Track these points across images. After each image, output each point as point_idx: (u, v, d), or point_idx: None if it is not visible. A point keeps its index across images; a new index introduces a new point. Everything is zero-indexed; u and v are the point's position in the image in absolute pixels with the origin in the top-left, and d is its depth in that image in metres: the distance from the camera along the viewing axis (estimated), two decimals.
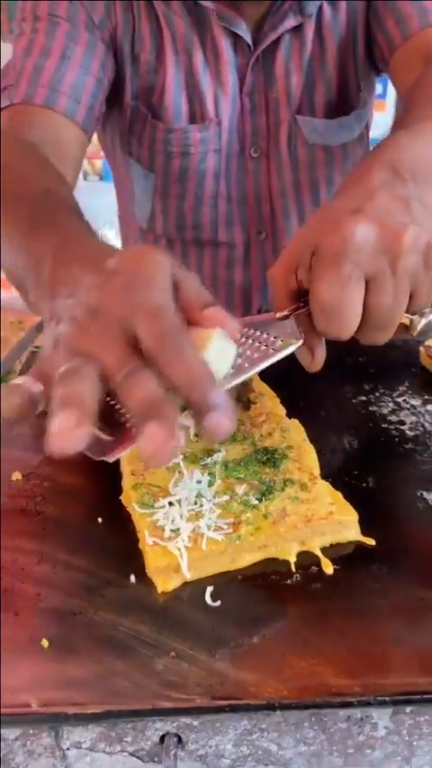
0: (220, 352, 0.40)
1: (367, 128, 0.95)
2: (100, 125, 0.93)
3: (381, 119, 0.85)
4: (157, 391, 0.35)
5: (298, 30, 0.82)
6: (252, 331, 0.48)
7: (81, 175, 3.19)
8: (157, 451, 0.34)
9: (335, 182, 0.92)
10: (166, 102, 0.83)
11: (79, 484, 0.59)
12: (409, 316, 0.46)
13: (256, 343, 0.47)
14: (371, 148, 0.95)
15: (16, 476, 0.60)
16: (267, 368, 0.67)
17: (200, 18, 0.80)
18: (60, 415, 0.35)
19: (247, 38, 0.81)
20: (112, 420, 0.41)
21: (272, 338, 0.46)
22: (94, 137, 0.99)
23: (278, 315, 0.48)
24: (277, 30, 0.81)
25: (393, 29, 0.78)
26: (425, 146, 0.51)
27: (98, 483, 0.59)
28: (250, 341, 0.47)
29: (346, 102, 0.88)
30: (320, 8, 0.82)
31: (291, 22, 0.81)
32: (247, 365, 0.44)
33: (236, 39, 0.81)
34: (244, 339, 0.47)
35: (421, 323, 0.47)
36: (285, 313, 0.47)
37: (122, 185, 1.00)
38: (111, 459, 0.40)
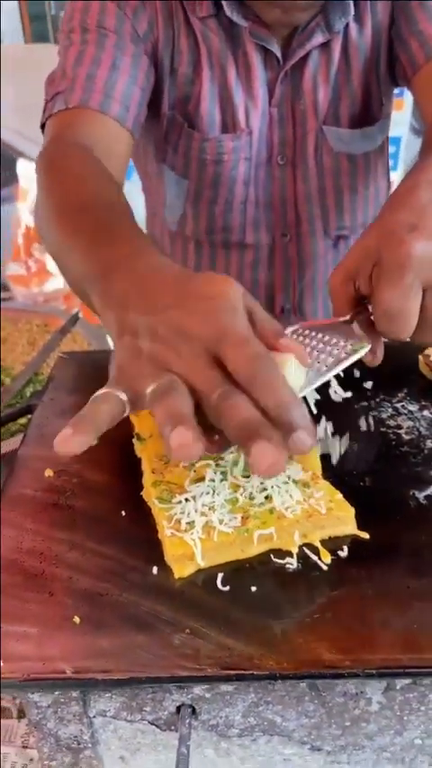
0: (295, 376, 0.45)
1: (386, 138, 1.00)
2: (148, 142, 0.98)
3: (399, 117, 0.89)
4: (255, 412, 0.40)
5: (325, 46, 0.86)
6: (321, 335, 0.53)
7: None
8: (271, 467, 0.39)
9: (357, 189, 0.98)
10: (202, 113, 0.88)
11: (105, 481, 0.65)
12: None
13: (328, 347, 0.52)
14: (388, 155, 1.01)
15: (48, 473, 0.66)
16: None
17: (234, 35, 0.85)
18: (179, 431, 0.40)
19: (278, 53, 0.85)
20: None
21: (341, 343, 0.52)
22: None
23: (341, 319, 0.54)
24: (305, 46, 0.85)
25: (417, 50, 0.82)
26: None
27: (122, 480, 0.65)
28: (321, 345, 0.52)
29: (369, 113, 0.92)
30: (347, 26, 0.86)
31: (319, 38, 0.85)
32: (324, 368, 0.49)
33: (266, 54, 0.86)
34: (315, 343, 0.52)
35: None
36: (348, 317, 0.54)
37: (153, 191, 1.04)
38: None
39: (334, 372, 0.50)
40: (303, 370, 0.46)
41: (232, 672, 0.48)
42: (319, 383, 0.49)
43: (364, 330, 0.54)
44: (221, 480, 0.60)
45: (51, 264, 2.76)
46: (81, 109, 0.78)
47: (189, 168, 0.93)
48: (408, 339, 0.53)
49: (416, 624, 0.50)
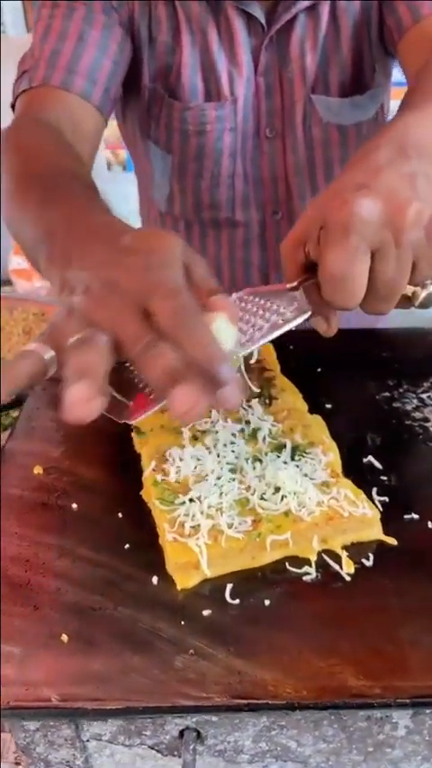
0: (224, 334, 0.42)
1: (383, 110, 0.94)
2: (121, 115, 0.95)
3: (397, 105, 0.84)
4: (177, 360, 0.38)
5: (312, 10, 0.82)
6: (263, 302, 0.50)
7: (105, 165, 3.17)
8: (190, 412, 0.37)
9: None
10: (183, 81, 0.84)
11: (100, 478, 0.59)
12: (412, 287, 0.48)
13: (267, 314, 0.48)
14: None
15: (37, 469, 0.60)
16: (289, 363, 0.67)
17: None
18: (75, 386, 0.37)
19: (261, 18, 0.81)
20: (131, 384, 0.43)
21: (281, 309, 0.48)
22: (116, 128, 1.00)
23: (288, 285, 0.49)
24: (291, 10, 0.80)
25: (404, 12, 0.78)
26: (430, 124, 0.52)
27: (118, 477, 0.59)
28: (261, 311, 0.49)
29: (360, 81, 0.87)
30: None
31: (305, 2, 0.80)
32: (258, 335, 0.46)
33: (249, 19, 0.82)
34: (256, 309, 0.49)
35: (422, 294, 0.48)
36: (294, 284, 0.49)
37: (142, 172, 1.01)
38: (133, 422, 0.43)
39: (268, 339, 0.46)
40: (233, 331, 0.43)
41: (243, 701, 0.41)
42: (251, 349, 0.46)
43: (313, 298, 0.49)
44: (230, 479, 0.53)
45: None
46: (45, 87, 0.75)
47: (172, 141, 0.88)
48: (356, 308, 0.47)
49: None
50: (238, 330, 0.44)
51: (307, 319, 0.49)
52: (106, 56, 0.78)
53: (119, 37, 0.80)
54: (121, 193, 1.65)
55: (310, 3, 0.80)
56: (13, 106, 0.79)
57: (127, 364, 0.43)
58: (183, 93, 0.84)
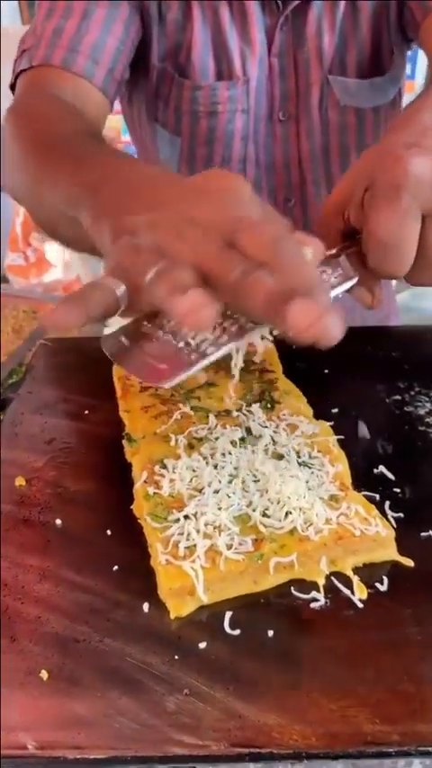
0: None
1: (401, 95, 0.90)
2: (127, 98, 0.91)
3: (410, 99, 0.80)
4: (284, 286, 0.35)
5: None
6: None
7: None
8: (317, 323, 0.34)
9: (366, 147, 0.87)
10: (194, 60, 0.80)
11: (87, 490, 0.54)
12: None
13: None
14: None
15: (20, 481, 0.55)
16: (292, 363, 0.63)
17: None
18: (186, 295, 0.35)
19: None
20: (163, 353, 0.40)
21: (325, 276, 0.45)
22: (111, 121, 0.95)
23: (328, 252, 0.46)
24: None
25: None
26: None
27: (108, 489, 0.54)
28: None
29: (379, 63, 0.83)
30: None
31: None
32: None
33: None
34: None
35: None
36: (335, 251, 0.46)
37: (150, 157, 0.96)
38: (166, 386, 0.41)
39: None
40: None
41: (244, 749, 0.36)
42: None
43: (356, 268, 0.46)
44: (230, 494, 0.49)
45: (51, 254, 2.66)
46: (46, 67, 0.72)
47: (181, 123, 0.84)
48: (402, 277, 0.45)
49: None
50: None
51: (350, 290, 0.46)
52: (111, 35, 0.74)
53: (125, 15, 0.76)
54: None
55: None
56: (12, 87, 0.76)
57: (160, 332, 0.41)
58: (193, 73, 0.80)
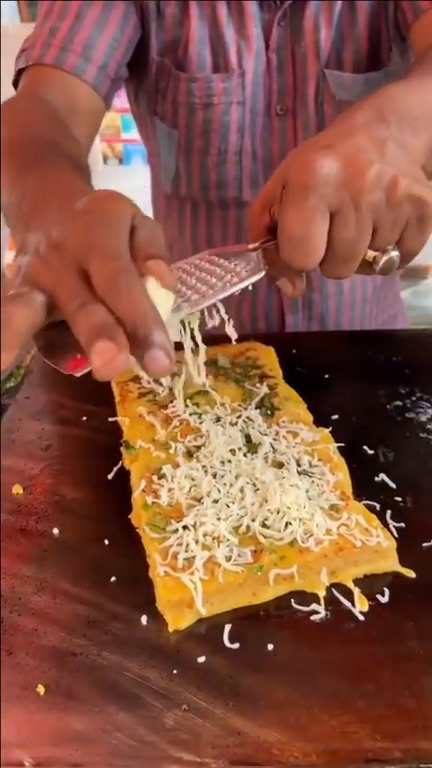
0: (154, 299, 0.40)
1: None
2: (133, 95, 0.92)
3: None
4: (107, 318, 0.37)
5: None
6: (222, 261, 0.50)
7: (101, 159, 3.11)
8: (106, 364, 0.35)
9: None
10: (191, 54, 0.81)
11: (85, 498, 0.54)
12: (372, 252, 0.47)
13: (223, 272, 0.49)
14: None
15: (17, 489, 0.55)
16: (293, 368, 0.63)
17: None
18: (98, 347, 0.36)
19: None
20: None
21: (237, 269, 0.49)
22: (112, 119, 0.95)
23: (249, 246, 0.50)
24: None
25: None
26: (419, 95, 0.52)
27: (106, 498, 0.54)
28: (219, 270, 0.49)
29: (376, 60, 0.83)
30: None
31: None
32: (211, 292, 0.47)
33: None
34: (213, 269, 0.50)
35: (383, 259, 0.47)
36: (255, 245, 0.49)
37: (151, 154, 0.98)
38: (77, 374, 0.42)
39: (219, 297, 0.47)
40: (166, 295, 0.42)
41: (243, 767, 0.36)
42: (201, 307, 0.47)
43: (276, 260, 0.49)
44: (229, 503, 0.48)
45: None
46: (40, 66, 0.74)
47: (178, 115, 0.85)
48: (315, 269, 0.47)
49: None
50: (174, 295, 0.43)
51: (269, 280, 0.50)
52: (103, 33, 0.75)
53: (119, 15, 0.77)
54: (118, 187, 1.60)
55: None
56: (15, 84, 0.78)
57: None
58: (190, 66, 0.81)
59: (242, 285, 0.47)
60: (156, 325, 0.37)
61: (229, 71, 0.81)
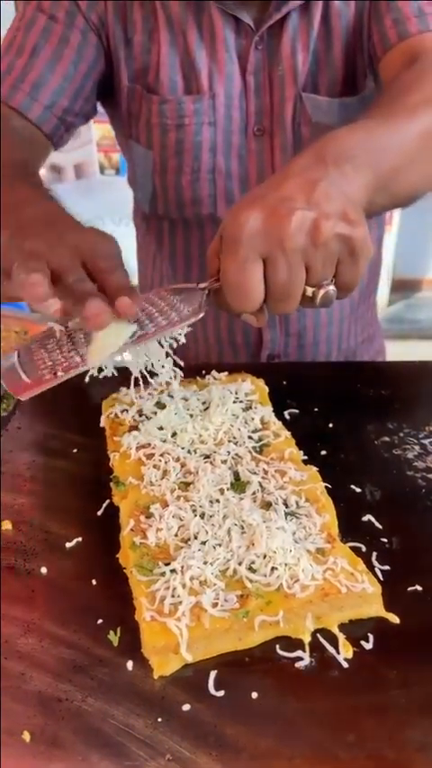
0: (114, 329, 0.50)
1: None
2: (111, 117, 0.94)
3: None
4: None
5: (305, 10, 0.81)
6: (173, 299, 0.56)
7: (98, 169, 3.10)
8: (98, 315, 0.47)
9: None
10: (162, 78, 0.83)
11: (73, 536, 0.54)
12: (311, 288, 0.51)
13: (170, 311, 0.54)
14: None
15: (6, 525, 0.55)
16: (283, 400, 0.70)
17: (197, 1, 0.80)
18: (92, 303, 0.47)
19: (247, 19, 0.80)
20: (35, 366, 0.53)
21: (183, 308, 0.54)
22: (109, 131, 0.97)
23: (200, 285, 0.54)
24: (281, 10, 0.79)
25: (390, 28, 0.76)
26: (361, 134, 0.55)
27: (94, 535, 0.54)
28: (167, 308, 0.55)
29: (351, 85, 0.85)
30: None
31: (297, 1, 0.79)
32: (153, 330, 0.52)
33: (237, 19, 0.80)
34: (163, 306, 0.56)
35: (320, 294, 0.51)
36: (205, 284, 0.54)
37: (130, 175, 1.00)
38: (23, 397, 0.51)
39: (160, 335, 0.53)
40: (130, 327, 0.51)
41: None
42: (144, 341, 0.52)
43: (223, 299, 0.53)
44: (215, 545, 0.48)
45: None
46: None
47: (152, 136, 0.87)
48: (253, 310, 0.52)
49: None
50: (137, 325, 0.52)
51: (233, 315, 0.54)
52: (54, 73, 0.80)
53: (75, 49, 0.80)
54: (115, 199, 1.60)
55: (302, 2, 0.78)
56: None
57: (42, 351, 0.54)
58: (162, 89, 0.84)
59: (182, 325, 0.52)
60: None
61: (200, 93, 0.83)
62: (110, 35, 0.82)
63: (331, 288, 0.51)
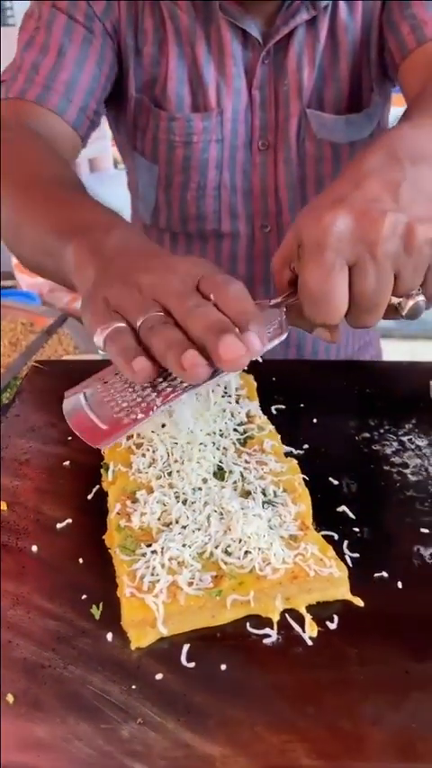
0: None
1: (379, 130, 0.92)
2: (114, 126, 0.94)
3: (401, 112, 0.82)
4: (223, 316, 0.43)
5: (311, 24, 0.81)
6: None
7: (112, 164, 3.15)
8: (237, 359, 0.41)
9: None
10: (169, 93, 0.83)
11: (64, 517, 0.57)
12: (398, 298, 0.48)
13: None
14: None
15: (2, 506, 0.58)
16: (270, 396, 0.71)
17: (206, 12, 0.80)
18: (188, 354, 0.42)
19: (255, 33, 0.80)
20: (109, 410, 0.48)
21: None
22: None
23: (272, 302, 0.51)
24: (289, 24, 0.80)
25: (408, 34, 0.77)
26: (426, 134, 0.52)
27: (84, 518, 0.57)
28: None
29: (356, 100, 0.87)
30: (336, 5, 0.81)
31: (303, 15, 0.80)
32: None
33: (245, 33, 0.81)
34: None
35: (408, 304, 0.48)
36: (278, 300, 0.51)
37: (132, 185, 1.00)
38: (101, 446, 0.47)
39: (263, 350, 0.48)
40: None
41: None
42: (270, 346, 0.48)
43: (301, 314, 0.50)
44: (194, 530, 0.51)
45: None
46: (20, 100, 0.76)
47: (158, 152, 0.88)
48: (336, 323, 0.49)
49: (414, 723, 0.42)
50: None
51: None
52: (84, 73, 0.79)
53: (98, 50, 0.80)
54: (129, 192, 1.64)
55: (309, 16, 0.79)
56: None
57: (111, 391, 0.50)
58: (169, 105, 0.84)
59: (267, 347, 0.46)
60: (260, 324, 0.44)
61: (208, 110, 0.83)
62: (121, 43, 0.82)
63: (421, 298, 0.48)
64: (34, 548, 0.54)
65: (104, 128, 0.93)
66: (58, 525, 0.56)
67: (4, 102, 0.76)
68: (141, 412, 0.46)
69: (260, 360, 0.47)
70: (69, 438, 0.67)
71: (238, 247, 0.94)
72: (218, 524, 0.52)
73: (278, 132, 0.86)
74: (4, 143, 0.70)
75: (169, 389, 0.47)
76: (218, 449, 0.61)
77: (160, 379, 0.48)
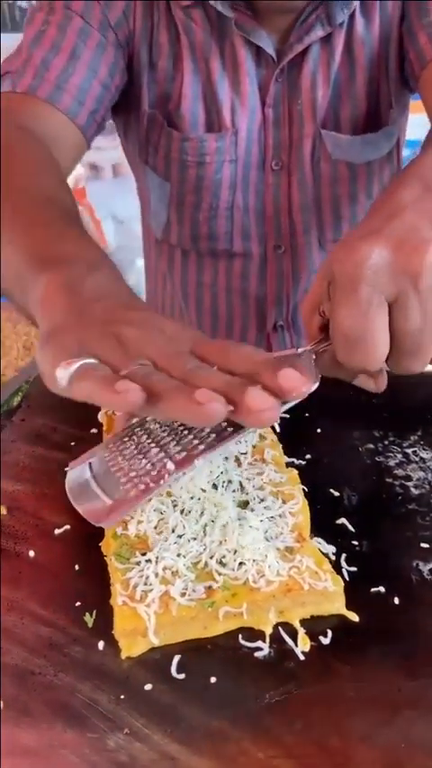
0: None
1: (398, 146, 0.91)
2: (123, 133, 0.93)
3: (420, 119, 0.80)
4: (235, 377, 0.38)
5: (327, 40, 0.79)
6: None
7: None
8: (268, 411, 0.36)
9: (358, 198, 0.89)
10: (183, 111, 0.81)
11: (63, 523, 0.57)
12: None
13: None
14: (403, 164, 0.91)
15: (2, 510, 0.59)
16: None
17: (221, 27, 0.79)
18: (258, 393, 0.37)
19: (269, 49, 0.79)
20: (115, 485, 0.47)
21: None
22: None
23: (299, 350, 0.46)
24: (304, 41, 0.78)
25: (426, 43, 0.75)
26: None
27: (82, 524, 0.56)
28: None
29: (374, 118, 0.84)
30: (352, 20, 0.79)
31: (319, 32, 0.78)
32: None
33: (258, 49, 0.79)
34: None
35: None
36: (306, 348, 0.46)
37: (142, 194, 0.99)
38: (105, 524, 0.47)
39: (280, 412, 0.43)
40: None
41: None
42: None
43: (336, 361, 0.45)
44: (190, 539, 0.51)
45: None
46: (29, 96, 0.73)
47: (170, 170, 0.86)
48: (379, 368, 0.44)
49: (404, 742, 0.41)
50: None
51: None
52: (96, 78, 0.77)
53: (111, 59, 0.78)
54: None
55: (324, 33, 0.78)
56: None
57: (119, 459, 0.48)
58: (182, 123, 0.82)
59: (294, 402, 0.42)
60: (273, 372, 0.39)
61: (222, 130, 0.81)
62: (134, 56, 0.80)
63: None
64: (31, 553, 0.54)
65: None
66: (56, 531, 0.57)
67: (5, 94, 0.74)
68: (152, 481, 0.44)
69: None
70: (73, 443, 0.67)
71: (250, 267, 0.93)
72: (213, 534, 0.52)
73: (292, 152, 0.84)
74: (3, 146, 0.68)
75: (184, 453, 0.43)
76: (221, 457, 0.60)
77: (173, 442, 0.45)
